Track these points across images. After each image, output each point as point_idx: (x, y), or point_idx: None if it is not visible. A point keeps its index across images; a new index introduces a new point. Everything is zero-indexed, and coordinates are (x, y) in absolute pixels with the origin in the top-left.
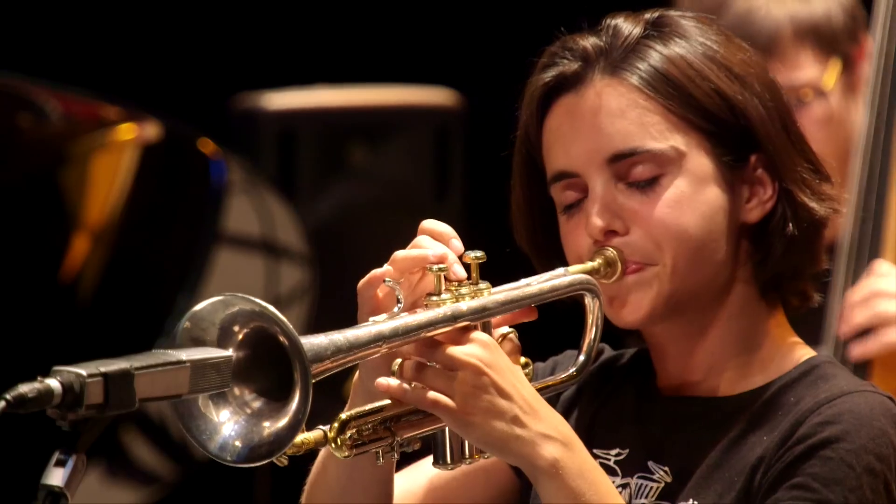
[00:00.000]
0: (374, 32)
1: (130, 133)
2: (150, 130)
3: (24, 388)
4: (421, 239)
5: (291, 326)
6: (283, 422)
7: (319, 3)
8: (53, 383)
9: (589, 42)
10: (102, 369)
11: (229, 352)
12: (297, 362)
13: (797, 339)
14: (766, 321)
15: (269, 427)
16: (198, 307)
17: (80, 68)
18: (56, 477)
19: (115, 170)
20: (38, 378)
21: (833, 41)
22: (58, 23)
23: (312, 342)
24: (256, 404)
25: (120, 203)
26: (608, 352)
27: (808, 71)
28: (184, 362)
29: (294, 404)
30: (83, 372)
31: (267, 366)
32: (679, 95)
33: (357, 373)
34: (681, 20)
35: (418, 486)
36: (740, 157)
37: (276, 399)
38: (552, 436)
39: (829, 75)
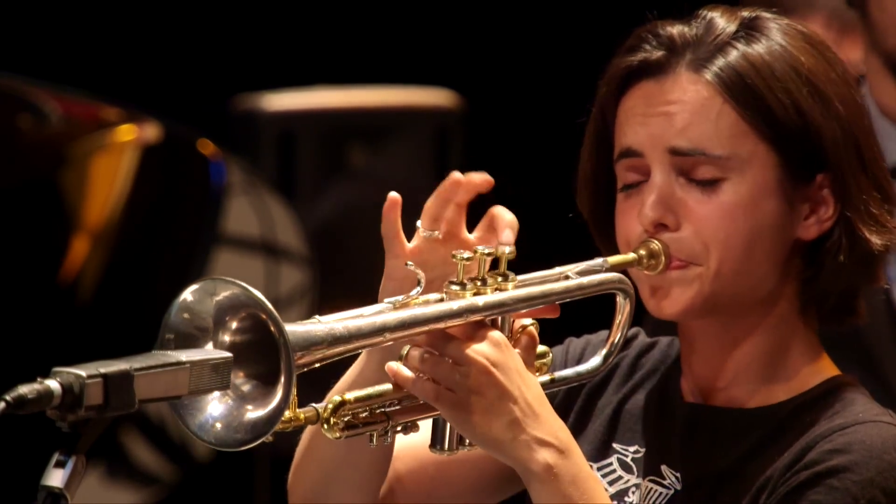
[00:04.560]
0: (374, 33)
1: (130, 134)
2: (150, 132)
3: (24, 389)
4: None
5: (277, 314)
6: (264, 411)
7: (319, 4)
8: (53, 384)
9: (677, 31)
10: (102, 370)
11: (229, 353)
12: (282, 353)
13: (826, 357)
14: (799, 339)
15: (251, 414)
16: (186, 294)
17: (79, 69)
18: (56, 478)
19: (114, 171)
20: (38, 379)
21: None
22: (58, 23)
23: (307, 330)
24: (246, 388)
25: (120, 204)
26: (642, 337)
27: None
28: (183, 363)
29: (277, 396)
30: (83, 373)
31: (263, 351)
32: (756, 105)
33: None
34: (774, 25)
35: (410, 463)
36: (807, 174)
37: (266, 385)
38: (549, 441)
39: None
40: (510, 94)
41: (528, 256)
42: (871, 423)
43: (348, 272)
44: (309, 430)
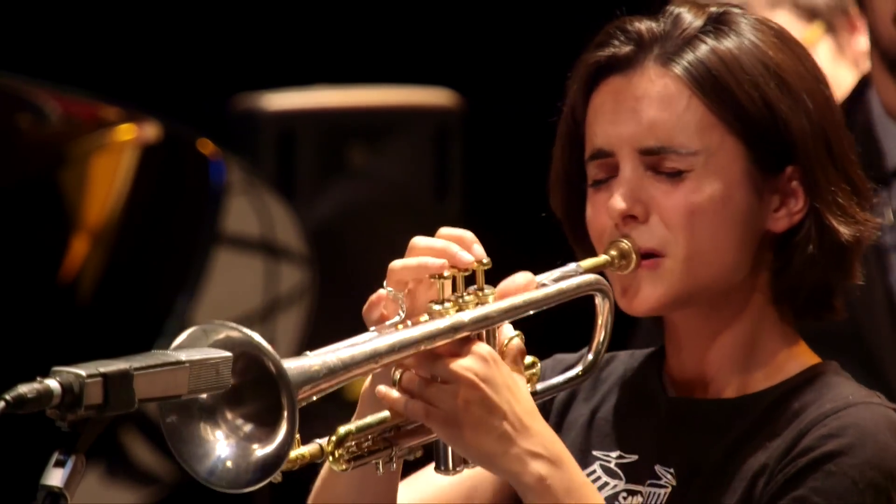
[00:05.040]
0: (374, 33)
1: (130, 134)
2: (150, 131)
3: (24, 389)
4: (420, 247)
5: (276, 354)
6: (270, 448)
7: (319, 3)
8: (53, 384)
9: (645, 26)
10: (102, 370)
11: (228, 353)
12: (283, 391)
13: (805, 347)
14: (777, 330)
15: (258, 452)
16: (177, 341)
17: (79, 69)
18: (55, 477)
19: (114, 170)
20: (38, 378)
21: (812, 10)
22: (58, 23)
23: (303, 365)
24: (247, 428)
25: (119, 204)
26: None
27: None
28: (183, 363)
29: (282, 433)
30: (82, 372)
31: (259, 389)
32: (724, 98)
33: (367, 381)
34: (742, 20)
35: (425, 492)
36: (776, 167)
37: (266, 424)
38: (540, 454)
39: (811, 32)
40: (510, 94)
41: (531, 255)
42: (862, 406)
43: (348, 271)
44: (324, 467)
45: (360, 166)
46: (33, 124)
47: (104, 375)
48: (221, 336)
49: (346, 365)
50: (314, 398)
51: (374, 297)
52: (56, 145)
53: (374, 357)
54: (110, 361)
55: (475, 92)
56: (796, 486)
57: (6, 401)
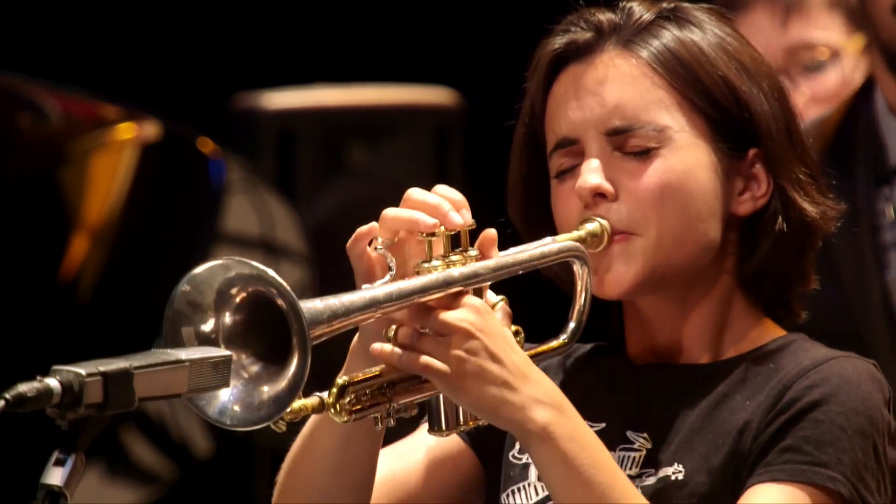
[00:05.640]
0: (374, 32)
1: (129, 132)
2: (150, 130)
3: (24, 388)
4: (414, 195)
5: (290, 289)
6: (282, 385)
7: (319, 3)
8: (53, 382)
9: (604, 16)
10: (102, 368)
11: (228, 351)
12: (295, 324)
13: (773, 323)
14: (746, 310)
15: (268, 391)
16: (197, 270)
17: (79, 68)
18: (55, 476)
19: (114, 169)
20: (38, 377)
21: (863, 23)
22: (58, 23)
23: (309, 306)
24: (254, 368)
25: (119, 202)
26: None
27: (830, 33)
28: (183, 361)
29: (293, 367)
30: (82, 371)
31: (265, 330)
32: (686, 76)
33: (356, 337)
34: (696, 12)
35: (388, 472)
36: (739, 149)
37: (275, 363)
38: (543, 400)
39: (852, 41)
40: (510, 93)
41: (512, 239)
42: (842, 358)
43: (347, 270)
44: (306, 429)
45: (360, 165)
46: (33, 123)
47: (104, 374)
48: (235, 272)
49: (346, 309)
50: (314, 342)
51: (358, 232)
52: (56, 144)
53: (372, 304)
54: (110, 360)
55: (475, 91)
56: (785, 437)
57: (6, 399)
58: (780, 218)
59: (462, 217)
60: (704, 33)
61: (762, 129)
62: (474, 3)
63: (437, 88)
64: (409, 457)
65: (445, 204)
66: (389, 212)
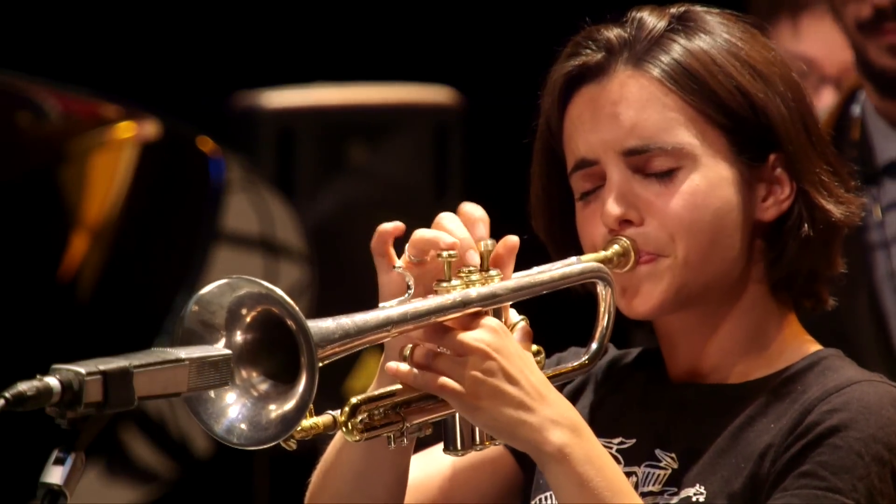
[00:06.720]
0: (374, 31)
1: (129, 131)
2: (149, 129)
3: (24, 387)
4: (443, 220)
5: (298, 309)
6: (289, 404)
7: (319, 2)
8: (52, 381)
9: (613, 33)
10: (101, 367)
11: (228, 350)
12: (303, 345)
13: (807, 335)
14: (777, 318)
15: (276, 410)
16: (204, 290)
17: (79, 67)
18: (55, 475)
19: (114, 168)
20: (38, 376)
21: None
22: (58, 22)
23: (320, 326)
24: (263, 387)
25: (119, 201)
26: (612, 350)
27: None
28: (183, 360)
29: (301, 387)
30: (82, 370)
31: (274, 349)
32: (700, 90)
33: (383, 355)
34: (706, 16)
35: (425, 476)
36: (759, 156)
37: (283, 382)
38: (559, 421)
39: None
40: (510, 92)
41: (531, 253)
42: (865, 383)
43: (347, 269)
44: (332, 444)
45: (360, 164)
46: (33, 122)
47: (104, 373)
48: (245, 291)
49: (359, 329)
50: (325, 362)
51: (381, 229)
52: (56, 143)
53: (386, 324)
54: (110, 359)
55: (475, 89)
56: (802, 462)
57: (6, 398)
58: (806, 222)
59: (477, 251)
60: (715, 40)
61: (780, 134)
62: (474, 3)
63: (437, 87)
64: (446, 460)
65: (469, 240)
66: (417, 233)
